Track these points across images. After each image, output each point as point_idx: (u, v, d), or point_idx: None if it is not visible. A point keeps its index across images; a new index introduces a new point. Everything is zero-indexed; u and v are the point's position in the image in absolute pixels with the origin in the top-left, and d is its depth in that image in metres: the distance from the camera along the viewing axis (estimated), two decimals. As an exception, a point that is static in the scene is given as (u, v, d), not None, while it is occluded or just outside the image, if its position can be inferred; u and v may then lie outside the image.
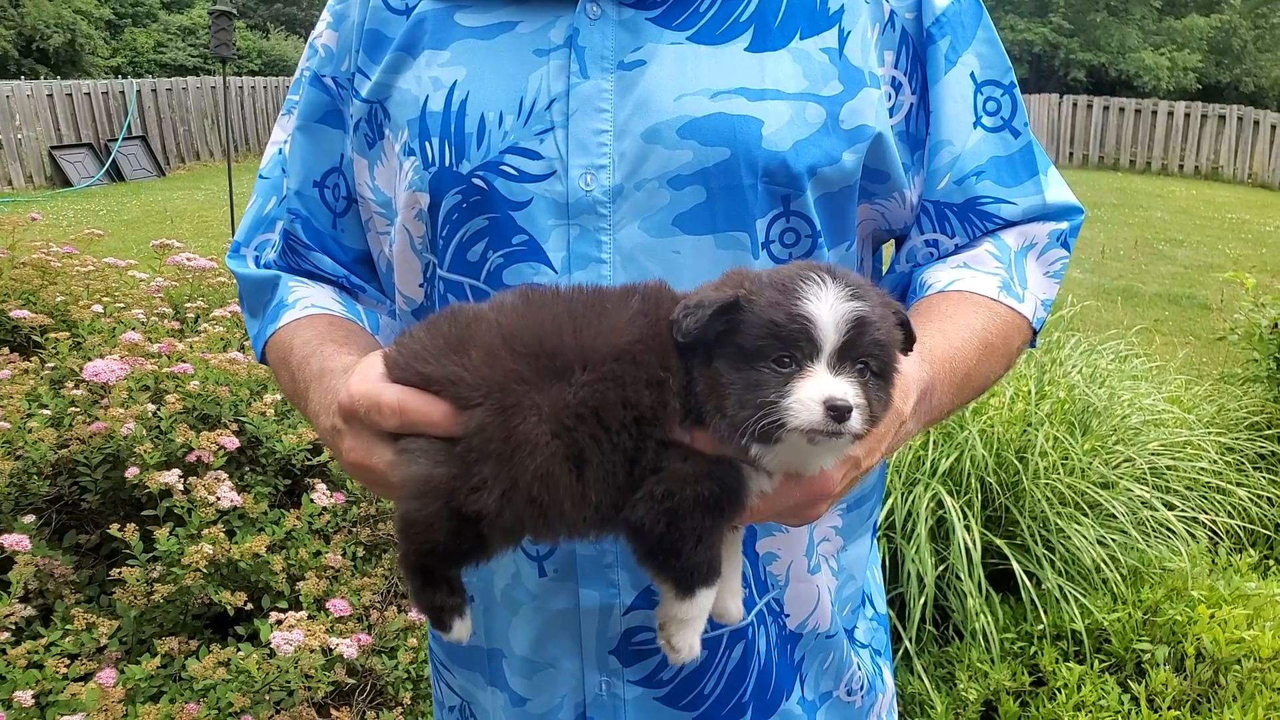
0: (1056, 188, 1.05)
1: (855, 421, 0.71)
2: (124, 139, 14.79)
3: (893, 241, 1.11)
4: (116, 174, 14.49)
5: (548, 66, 0.94)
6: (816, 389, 0.70)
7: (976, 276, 1.01)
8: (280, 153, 1.12)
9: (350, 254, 1.10)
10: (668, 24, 0.94)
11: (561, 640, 1.01)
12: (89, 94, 14.75)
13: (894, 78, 1.00)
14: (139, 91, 15.41)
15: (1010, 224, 1.03)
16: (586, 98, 0.92)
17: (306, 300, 1.07)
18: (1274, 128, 17.00)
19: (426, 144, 0.95)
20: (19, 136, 13.51)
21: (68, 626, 2.14)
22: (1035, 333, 1.04)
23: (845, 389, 0.71)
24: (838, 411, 0.70)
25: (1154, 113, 18.11)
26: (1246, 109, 17.91)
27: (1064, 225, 1.05)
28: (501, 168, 0.93)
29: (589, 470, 0.75)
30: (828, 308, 0.72)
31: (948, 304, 0.99)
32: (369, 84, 1.01)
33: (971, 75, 1.01)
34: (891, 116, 1.00)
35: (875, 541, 1.21)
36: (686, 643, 0.81)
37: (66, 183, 13.78)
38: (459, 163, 0.94)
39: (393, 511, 0.84)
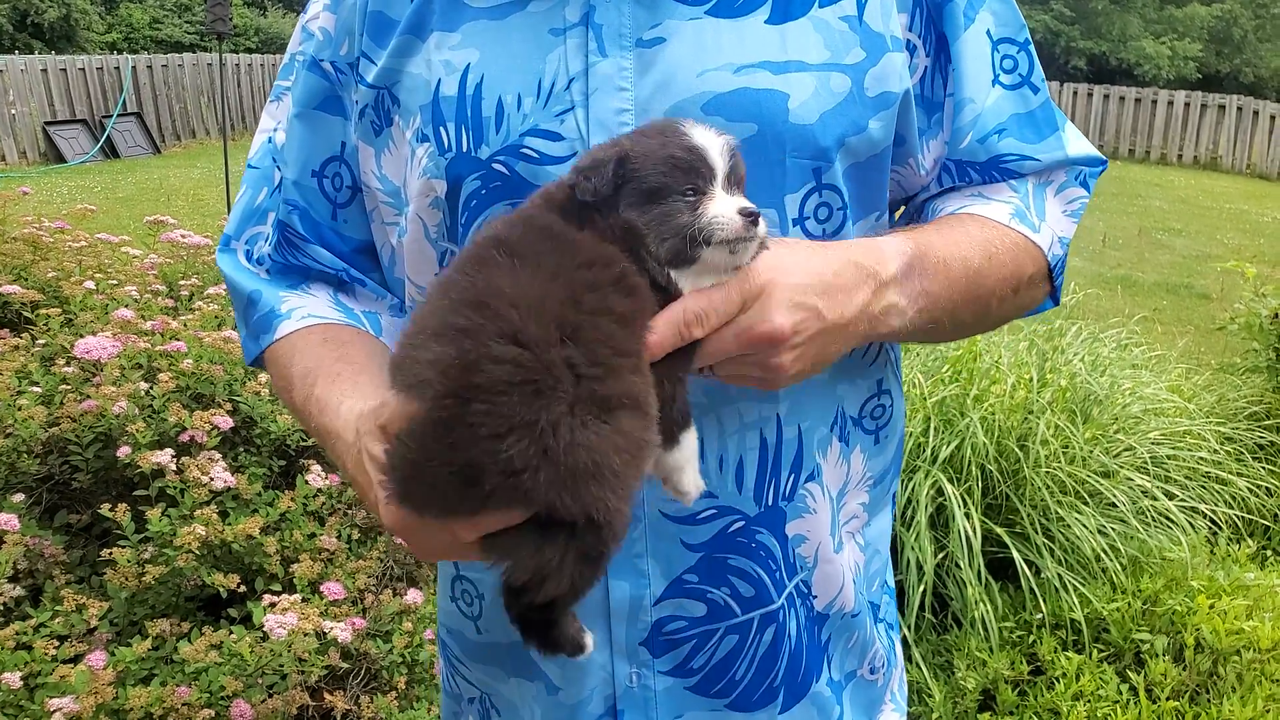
0: (1077, 141, 1.04)
1: (763, 226, 0.80)
2: (119, 115, 14.65)
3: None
4: (111, 150, 14.37)
5: (564, 45, 0.91)
6: (728, 204, 0.79)
7: (990, 204, 0.99)
8: (270, 141, 1.09)
9: (350, 244, 1.07)
10: None
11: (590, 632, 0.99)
12: (84, 69, 14.61)
13: (909, 40, 0.98)
14: (134, 68, 15.26)
15: (1029, 175, 1.02)
16: (606, 76, 0.90)
17: (303, 310, 1.05)
18: (1273, 118, 16.94)
19: (441, 129, 0.93)
20: (13, 112, 13.39)
21: (57, 608, 2.11)
22: (1053, 272, 1.02)
23: (746, 201, 0.81)
24: (752, 217, 0.79)
25: (1154, 102, 18.04)
26: (1246, 99, 17.85)
27: (1081, 169, 1.03)
28: (522, 150, 0.90)
29: (622, 414, 0.74)
30: (711, 139, 0.80)
31: (952, 220, 0.99)
32: (375, 69, 0.97)
33: (988, 32, 0.99)
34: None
35: (891, 516, 1.20)
36: (690, 481, 0.86)
37: (60, 159, 13.66)
38: (477, 148, 0.91)
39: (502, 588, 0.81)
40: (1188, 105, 17.72)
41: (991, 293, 0.97)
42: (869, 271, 0.85)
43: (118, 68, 15.13)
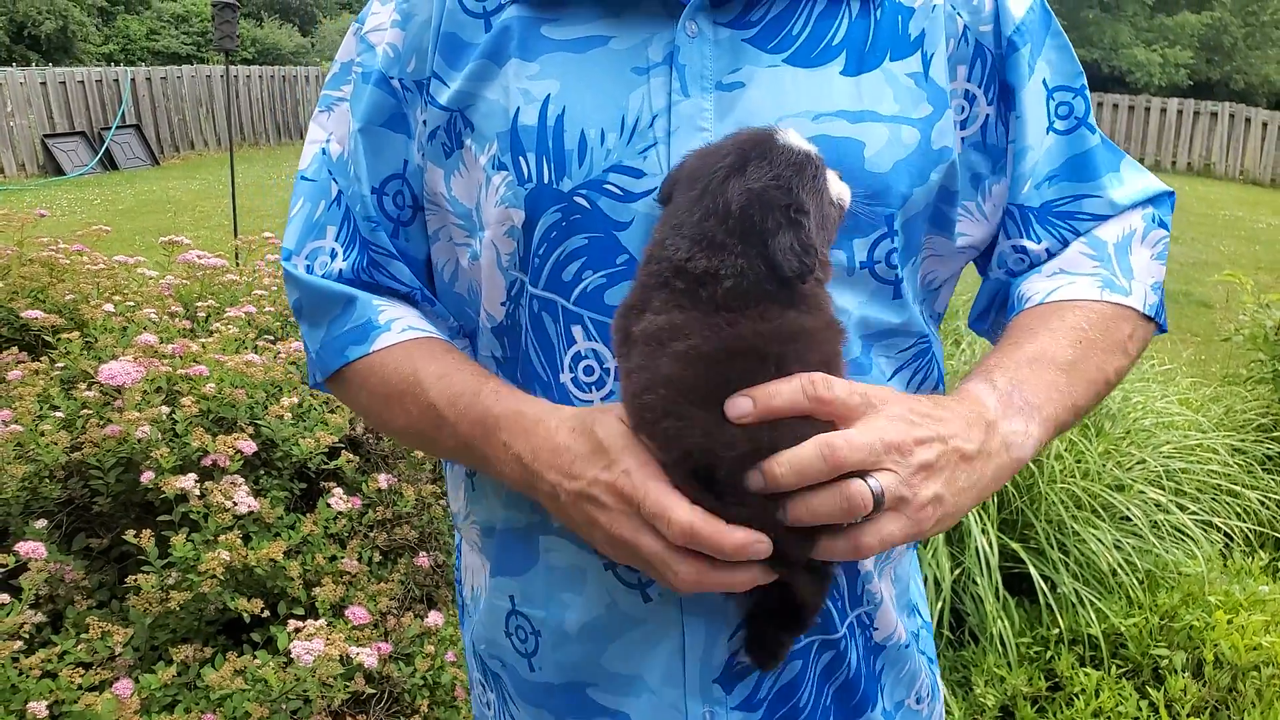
0: (1136, 176, 1.05)
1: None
2: (118, 127, 14.64)
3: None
4: (110, 162, 14.36)
5: (648, 84, 0.92)
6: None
7: (1075, 282, 1.00)
8: (324, 153, 1.07)
9: (413, 265, 1.07)
10: (763, 45, 0.93)
11: (663, 669, 0.98)
12: (82, 81, 14.61)
13: (967, 90, 1.00)
14: (133, 79, 15.27)
15: (1097, 219, 1.03)
16: (687, 116, 0.91)
17: (403, 322, 1.02)
18: (1265, 125, 17.04)
19: (520, 159, 0.93)
20: (11, 124, 13.38)
21: (82, 635, 2.10)
22: (1155, 317, 1.02)
23: None
24: None
25: (1146, 109, 18.13)
26: (1238, 106, 17.95)
27: (1152, 210, 1.05)
28: (606, 186, 0.91)
29: None
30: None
31: (1033, 319, 0.98)
32: (448, 91, 0.97)
33: (1044, 81, 1.02)
34: (965, 129, 1.01)
35: (915, 548, 1.21)
36: None
37: (59, 171, 13.65)
38: (559, 180, 0.92)
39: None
40: (1180, 112, 17.81)
41: (1099, 370, 0.97)
42: (976, 414, 0.85)
43: (116, 80, 15.14)
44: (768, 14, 0.94)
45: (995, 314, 1.13)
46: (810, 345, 0.78)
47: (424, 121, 1.00)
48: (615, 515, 0.82)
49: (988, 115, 1.01)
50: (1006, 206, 1.03)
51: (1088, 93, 1.04)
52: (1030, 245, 1.03)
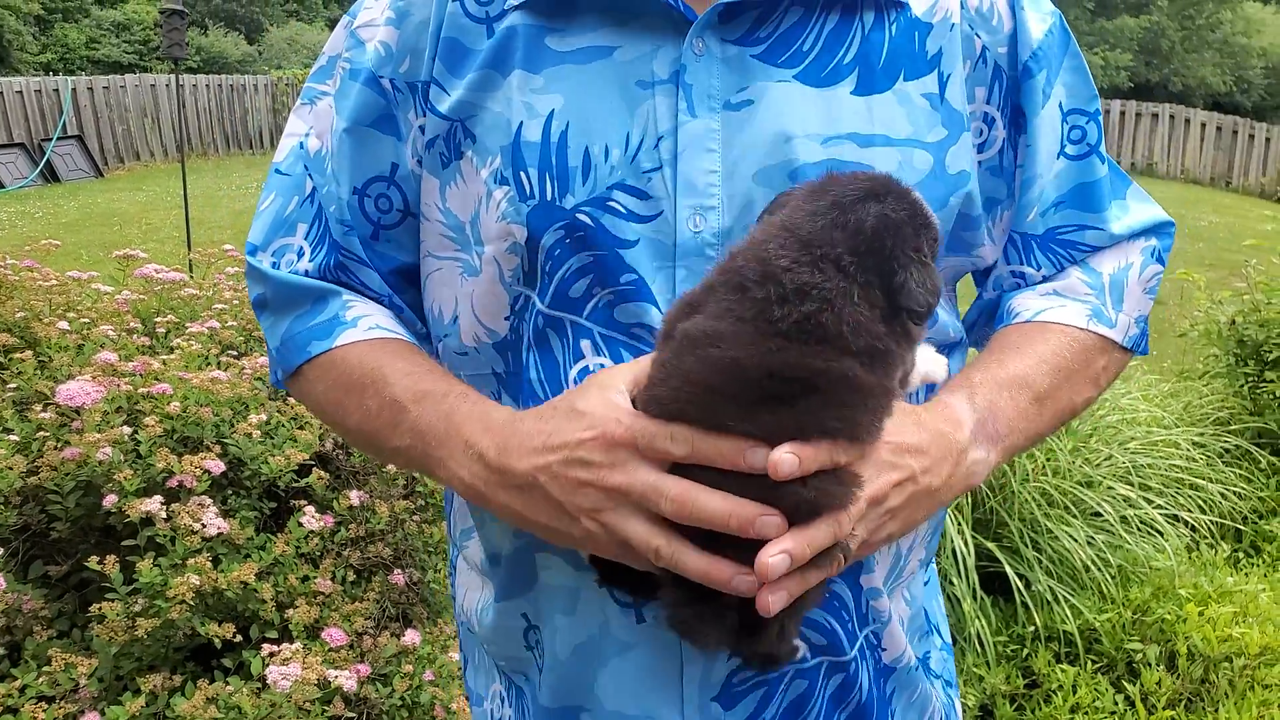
0: (1141, 207, 1.04)
1: None
2: (59, 138, 14.28)
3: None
4: (51, 174, 13.99)
5: (653, 101, 0.89)
6: None
7: (1066, 306, 1.00)
8: (301, 147, 1.02)
9: (386, 267, 1.03)
10: (773, 61, 0.91)
11: (659, 691, 0.95)
12: (20, 91, 14.22)
13: (985, 113, 0.98)
14: (74, 89, 14.90)
15: (1096, 249, 1.03)
16: (695, 136, 0.88)
17: (370, 320, 0.99)
18: (1204, 125, 17.53)
19: (523, 174, 0.90)
20: (-54, 137, 12.98)
21: (44, 668, 2.02)
22: (1133, 348, 1.03)
23: None
24: None
25: (1092, 110, 18.53)
26: (1178, 107, 18.44)
27: (1154, 242, 1.04)
28: (609, 204, 0.88)
29: None
30: None
31: (1018, 337, 0.99)
32: (449, 99, 0.94)
33: (1060, 105, 1.00)
34: (983, 152, 0.99)
35: (934, 569, 1.19)
36: None
37: (-2, 184, 13.28)
38: (562, 197, 0.89)
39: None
40: (1123, 114, 18.24)
41: (1069, 400, 0.98)
42: (951, 441, 0.85)
43: (56, 89, 14.76)
44: (778, 29, 0.92)
45: (984, 325, 1.13)
46: (844, 399, 0.74)
47: (421, 128, 0.96)
48: (605, 469, 0.78)
49: (1003, 139, 0.99)
50: (1010, 234, 1.02)
51: (1101, 118, 1.03)
52: (1029, 271, 1.03)
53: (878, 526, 0.82)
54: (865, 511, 0.79)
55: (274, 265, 1.01)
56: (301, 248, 1.01)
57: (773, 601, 0.76)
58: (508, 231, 0.91)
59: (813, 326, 0.72)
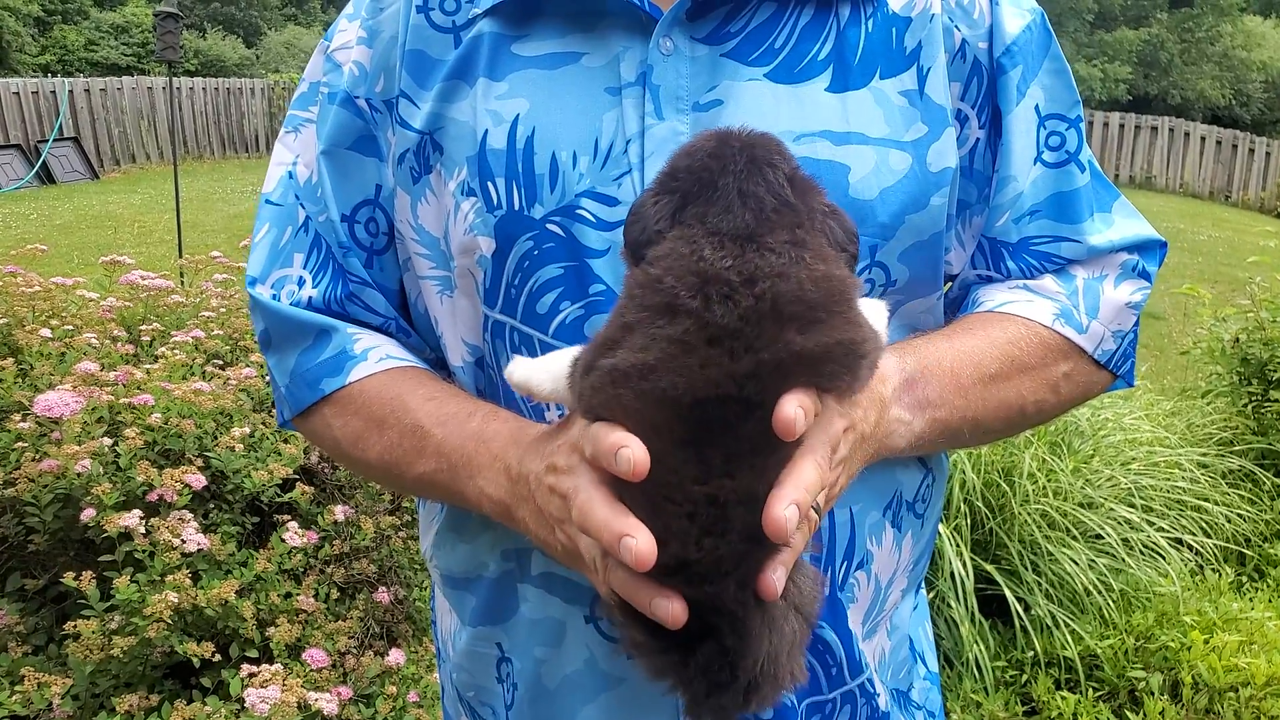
0: (1126, 222, 0.97)
1: None
2: (55, 140, 14.21)
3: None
4: (47, 176, 13.92)
5: (621, 105, 0.85)
6: None
7: (1034, 302, 0.93)
8: (291, 176, 0.99)
9: (388, 290, 0.98)
10: (743, 59, 0.87)
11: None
12: (17, 93, 14.16)
13: (959, 110, 0.92)
14: (71, 91, 14.84)
15: (1071, 262, 0.96)
16: (663, 140, 0.85)
17: (380, 350, 0.94)
18: (1204, 139, 17.53)
19: (490, 184, 0.85)
20: (-58, 137, 12.93)
21: (17, 686, 1.96)
22: (1108, 364, 0.96)
23: None
24: None
25: (1089, 123, 18.54)
26: (1177, 120, 18.45)
27: (1135, 257, 0.97)
28: (579, 212, 0.84)
29: None
30: None
31: (977, 321, 0.93)
32: (419, 113, 0.90)
33: (1036, 108, 0.94)
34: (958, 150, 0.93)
35: (924, 595, 1.14)
36: None
37: (-7, 185, 13.22)
38: (530, 206, 0.85)
39: None
40: (1122, 126, 18.25)
41: (1020, 397, 0.91)
42: (875, 392, 0.79)
43: (54, 91, 14.70)
44: (749, 25, 0.87)
45: (949, 316, 1.05)
46: (797, 374, 0.66)
47: (393, 144, 0.92)
48: (564, 473, 0.73)
49: (979, 139, 0.93)
50: (979, 238, 0.96)
51: (1083, 125, 0.96)
52: (997, 278, 0.97)
53: (835, 476, 0.76)
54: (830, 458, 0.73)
55: (274, 297, 0.97)
56: (301, 277, 0.97)
57: (776, 580, 0.69)
58: (475, 244, 0.87)
59: (759, 314, 0.64)
